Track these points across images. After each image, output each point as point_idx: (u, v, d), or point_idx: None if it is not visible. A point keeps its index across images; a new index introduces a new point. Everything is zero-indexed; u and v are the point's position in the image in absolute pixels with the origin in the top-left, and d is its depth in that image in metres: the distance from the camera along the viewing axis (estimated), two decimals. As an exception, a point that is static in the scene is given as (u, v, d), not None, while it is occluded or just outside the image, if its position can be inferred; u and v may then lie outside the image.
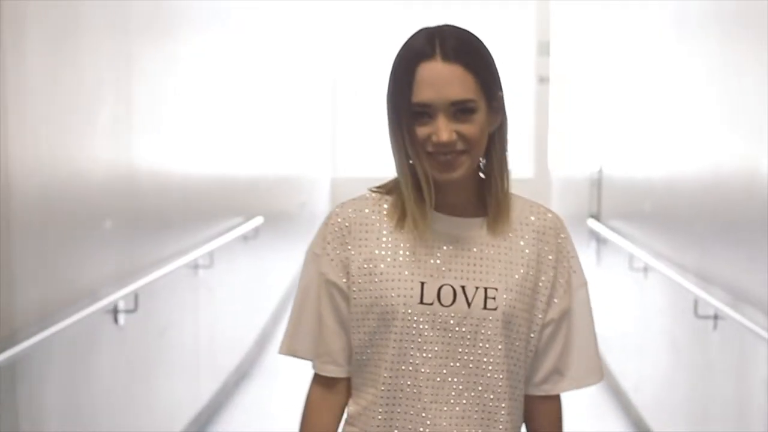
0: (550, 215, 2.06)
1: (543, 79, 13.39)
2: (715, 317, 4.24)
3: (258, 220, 6.90)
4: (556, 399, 2.12)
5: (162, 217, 4.94)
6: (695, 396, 4.66)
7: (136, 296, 4.31)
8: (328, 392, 2.08)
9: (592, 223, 7.50)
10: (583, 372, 2.08)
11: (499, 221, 2.01)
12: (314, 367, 2.09)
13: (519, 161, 14.60)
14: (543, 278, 2.02)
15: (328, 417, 2.08)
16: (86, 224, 3.97)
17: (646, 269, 5.56)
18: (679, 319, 4.88)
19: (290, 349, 2.09)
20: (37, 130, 3.49)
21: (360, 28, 13.96)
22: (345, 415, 2.10)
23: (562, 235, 2.06)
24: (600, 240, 7.27)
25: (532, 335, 2.03)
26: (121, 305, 4.22)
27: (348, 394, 2.09)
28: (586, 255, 8.02)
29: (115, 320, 4.23)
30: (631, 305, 6.11)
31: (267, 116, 7.64)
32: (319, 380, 2.09)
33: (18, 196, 3.31)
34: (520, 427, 2.08)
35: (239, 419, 5.95)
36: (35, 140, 3.47)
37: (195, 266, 5.46)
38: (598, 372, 2.11)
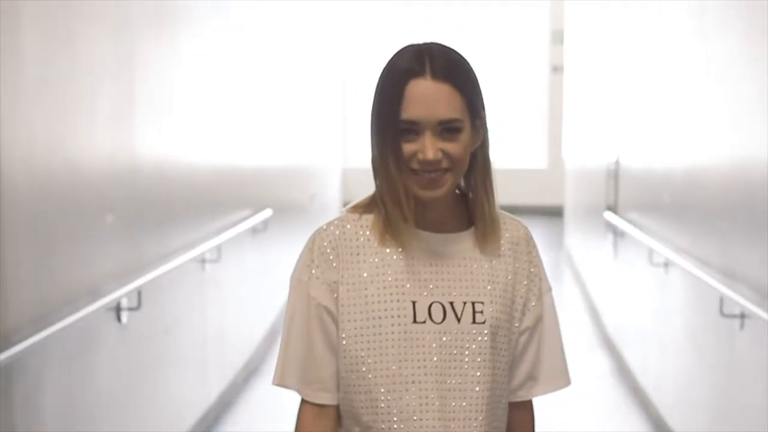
0: (521, 226, 2.11)
1: (557, 68, 13.29)
2: (742, 316, 4.09)
3: (267, 213, 6.77)
4: (529, 405, 2.18)
5: (167, 209, 4.82)
6: (719, 397, 4.51)
7: (139, 293, 4.18)
8: (320, 419, 2.07)
9: (608, 215, 7.35)
10: (553, 376, 2.15)
11: (489, 239, 2.05)
12: (305, 395, 2.07)
13: (532, 152, 14.46)
14: (518, 288, 2.08)
15: None
16: (86, 218, 3.85)
17: (666, 264, 5.41)
18: (702, 317, 4.73)
19: (280, 380, 2.09)
20: (33, 118, 3.36)
21: (372, 18, 13.80)
22: None
23: (532, 245, 2.12)
24: (617, 233, 7.12)
25: (510, 344, 2.08)
26: (124, 303, 4.10)
27: (336, 422, 2.08)
28: (602, 248, 7.90)
29: (118, 318, 4.10)
30: (650, 301, 5.95)
31: (276, 105, 7.51)
32: (310, 408, 2.07)
33: (11, 188, 3.19)
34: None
35: (248, 417, 5.84)
36: (30, 129, 3.34)
37: (202, 261, 5.34)
38: (567, 375, 2.17)
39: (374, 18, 13.86)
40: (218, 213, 5.80)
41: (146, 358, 4.52)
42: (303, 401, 2.07)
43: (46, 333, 3.34)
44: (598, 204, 8.24)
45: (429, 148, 1.92)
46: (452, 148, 1.94)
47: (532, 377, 2.12)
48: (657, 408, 5.67)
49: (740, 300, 4.02)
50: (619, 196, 7.31)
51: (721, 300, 4.24)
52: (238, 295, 6.25)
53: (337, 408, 2.06)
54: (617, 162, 7.34)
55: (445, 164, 1.94)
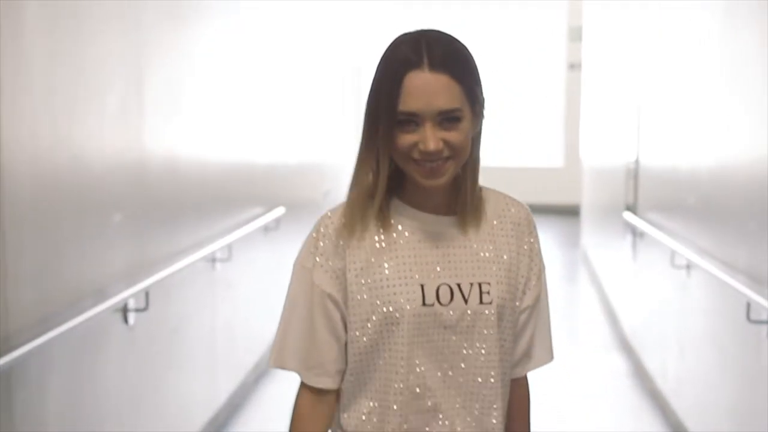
0: (522, 208, 2.15)
1: (574, 66, 13.19)
2: (770, 322, 3.95)
3: (279, 211, 6.66)
4: (524, 381, 2.22)
5: (176, 207, 4.71)
6: (743, 404, 4.38)
7: (147, 294, 4.06)
8: (318, 403, 2.10)
9: (627, 215, 7.22)
10: (543, 353, 2.20)
11: (469, 218, 2.06)
12: (305, 378, 2.09)
13: (548, 150, 14.33)
14: (521, 267, 2.11)
15: (320, 427, 2.10)
16: (93, 217, 3.75)
17: (689, 267, 5.27)
18: (727, 322, 4.59)
19: (279, 361, 2.10)
20: (37, 114, 3.25)
21: (388, 15, 13.70)
22: (338, 426, 2.11)
23: (533, 225, 2.15)
24: (636, 233, 6.99)
25: (513, 323, 2.11)
26: (131, 304, 3.98)
27: (334, 406, 2.11)
28: (620, 248, 7.78)
29: (125, 320, 3.99)
30: (671, 304, 5.82)
31: (289, 101, 7.39)
32: (308, 391, 2.10)
33: (15, 186, 3.08)
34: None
35: (258, 418, 5.73)
36: (34, 125, 3.23)
37: (212, 260, 5.23)
38: (552, 351, 2.22)
39: (390, 15, 13.76)
40: (229, 211, 5.69)
41: (154, 359, 4.41)
42: (302, 385, 2.10)
43: (50, 335, 3.25)
44: (616, 203, 8.11)
45: (430, 138, 1.93)
46: (453, 137, 1.95)
47: (527, 354, 2.17)
48: (676, 412, 5.55)
49: (768, 305, 3.89)
50: (638, 196, 7.18)
51: (748, 305, 4.11)
52: (250, 295, 6.13)
53: (336, 393, 2.10)
54: (637, 161, 7.21)
55: (446, 153, 1.95)
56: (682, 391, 5.54)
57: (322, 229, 2.06)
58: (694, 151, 5.38)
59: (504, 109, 13.84)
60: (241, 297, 5.94)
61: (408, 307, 2.00)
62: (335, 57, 9.78)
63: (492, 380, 2.06)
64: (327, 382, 2.08)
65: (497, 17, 14.01)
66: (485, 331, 2.03)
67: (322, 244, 2.05)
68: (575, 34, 12.93)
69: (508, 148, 13.99)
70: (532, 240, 2.13)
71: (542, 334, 2.18)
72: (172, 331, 4.66)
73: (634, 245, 7.14)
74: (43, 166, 3.31)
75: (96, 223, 3.76)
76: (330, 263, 2.04)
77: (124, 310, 3.97)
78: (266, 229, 6.40)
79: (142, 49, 4.20)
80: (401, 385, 2.02)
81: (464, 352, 2.03)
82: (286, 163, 7.34)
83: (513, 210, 2.13)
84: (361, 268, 2.02)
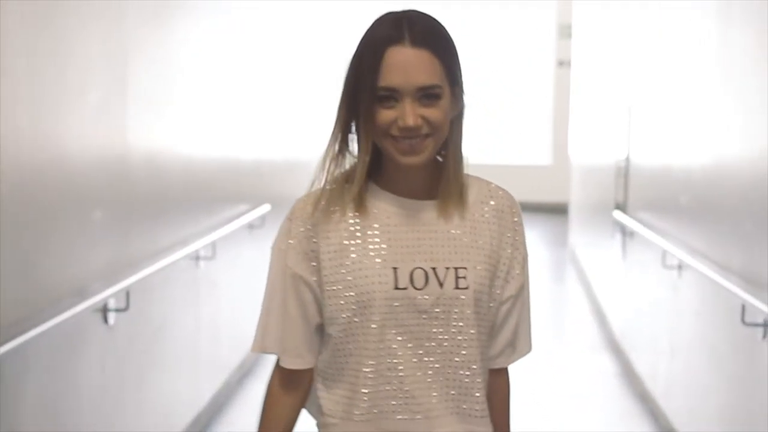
0: (505, 194, 2.13)
1: (563, 63, 13.13)
2: (765, 325, 3.87)
3: (265, 208, 6.56)
4: (505, 372, 2.20)
5: (159, 204, 4.61)
6: (737, 408, 4.30)
7: (127, 294, 3.96)
8: (290, 383, 2.12)
9: (617, 214, 7.14)
10: (525, 344, 2.19)
11: (449, 204, 2.05)
12: (283, 361, 2.11)
13: (536, 148, 14.26)
14: (502, 255, 2.09)
15: (290, 408, 2.13)
16: (72, 214, 3.65)
17: (680, 267, 5.20)
18: (720, 325, 4.52)
19: (261, 346, 2.12)
20: (15, 108, 3.15)
21: (377, 11, 13.60)
22: (318, 409, 2.12)
23: (517, 214, 2.13)
24: (626, 233, 6.91)
25: (491, 311, 2.09)
26: (112, 304, 3.88)
27: (307, 386, 2.13)
28: (610, 248, 7.70)
29: (105, 320, 3.89)
30: (662, 305, 5.74)
31: (275, 97, 7.29)
32: (281, 372, 2.12)
33: (-10, 183, 2.96)
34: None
35: (243, 418, 5.63)
36: (13, 119, 3.13)
37: (196, 258, 5.14)
38: (530, 341, 2.21)
39: (378, 11, 13.66)
40: (214, 208, 5.59)
41: (135, 360, 4.31)
42: (276, 366, 2.13)
43: (27, 336, 3.15)
44: (605, 202, 8.04)
45: (409, 114, 1.93)
46: (432, 113, 1.95)
47: (511, 345, 2.16)
48: (666, 414, 5.48)
49: (764, 308, 3.81)
50: (628, 194, 7.11)
51: (743, 307, 4.03)
52: (234, 294, 6.04)
53: (309, 373, 2.11)
54: (627, 159, 7.14)
55: (425, 130, 1.95)
56: (672, 393, 5.47)
57: (297, 213, 2.07)
58: (688, 149, 5.31)
59: (492, 106, 13.76)
60: (225, 295, 5.84)
61: (378, 290, 2.00)
62: (323, 52, 9.68)
63: (472, 366, 2.05)
64: (301, 363, 2.10)
65: (486, 14, 13.93)
66: (462, 317, 2.03)
67: (295, 227, 2.06)
68: (564, 31, 12.89)
69: (496, 145, 13.91)
70: (516, 228, 2.12)
71: (525, 325, 2.18)
72: (154, 331, 4.56)
73: (623, 245, 7.07)
74: (24, 164, 3.22)
75: (76, 221, 3.67)
76: (303, 246, 2.05)
77: (104, 310, 3.87)
78: (251, 226, 6.30)
79: (126, 44, 4.10)
80: (372, 370, 2.02)
81: (440, 337, 2.03)
82: (271, 159, 7.25)
83: (497, 197, 2.12)
84: (335, 251, 2.03)
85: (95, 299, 3.68)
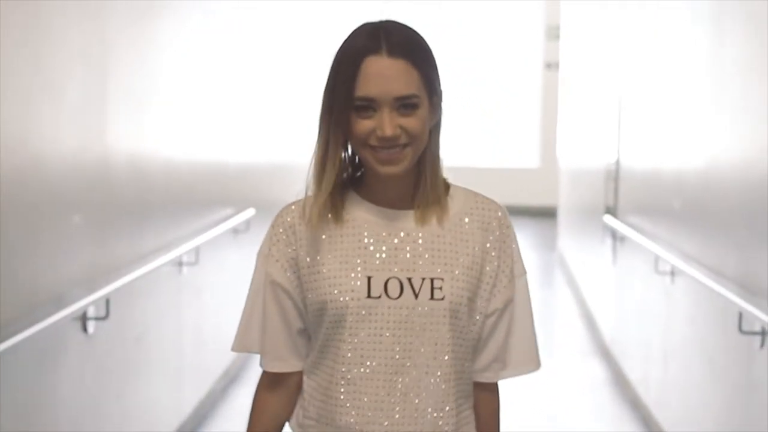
0: (494, 206, 2.12)
1: (551, 65, 13.07)
2: (763, 333, 3.78)
3: (249, 212, 6.44)
4: (495, 387, 2.19)
5: (140, 209, 4.50)
6: (734, 417, 4.21)
7: (107, 301, 3.84)
8: (276, 387, 2.15)
9: (607, 218, 7.05)
10: (523, 360, 2.16)
11: (428, 213, 2.06)
12: (262, 363, 2.15)
13: (524, 150, 14.18)
14: (487, 268, 2.09)
15: (276, 409, 2.16)
16: (50, 218, 3.54)
17: (673, 272, 5.11)
18: (716, 332, 4.43)
19: (242, 345, 2.16)
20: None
21: (364, 15, 13.53)
22: (304, 414, 2.14)
23: (506, 226, 2.12)
24: (616, 237, 6.82)
25: (475, 323, 2.09)
26: (91, 312, 3.77)
27: (294, 390, 2.15)
28: (600, 252, 7.61)
29: (84, 328, 3.77)
30: (653, 311, 5.65)
31: (261, 99, 7.18)
32: (266, 376, 2.16)
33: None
34: (470, 408, 2.14)
35: (227, 427, 5.52)
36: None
37: (179, 263, 5.02)
38: (537, 360, 2.18)
39: (365, 15, 13.59)
40: (197, 212, 5.48)
41: (115, 370, 4.20)
42: (261, 374, 2.17)
43: (2, 346, 3.04)
44: (595, 206, 7.96)
45: (387, 124, 1.94)
46: (410, 123, 1.96)
47: (499, 360, 2.14)
48: (658, 422, 5.39)
49: (762, 316, 3.72)
50: (618, 198, 7.02)
51: (740, 315, 3.93)
52: (218, 300, 5.92)
53: (295, 377, 2.14)
54: (617, 162, 7.05)
55: (403, 140, 1.96)
56: (665, 401, 5.38)
57: (279, 220, 2.11)
58: (680, 151, 5.21)
59: (479, 109, 13.69)
60: (209, 302, 5.72)
61: (351, 298, 2.02)
62: (309, 55, 9.59)
63: (441, 378, 2.05)
64: (281, 366, 2.13)
65: (473, 16, 13.85)
66: (436, 328, 2.03)
67: (277, 234, 2.10)
68: (552, 33, 12.83)
69: (484, 148, 13.84)
70: (504, 241, 2.11)
71: (521, 341, 2.15)
72: (135, 340, 4.44)
73: (614, 249, 6.98)
74: (-4, 165, 3.10)
75: (54, 226, 3.55)
76: (283, 253, 2.08)
77: (84, 318, 3.75)
78: (236, 231, 6.18)
79: (107, 43, 3.99)
80: (347, 377, 2.05)
81: (414, 348, 2.03)
82: (257, 163, 7.13)
83: (484, 209, 2.11)
84: (311, 260, 2.06)
85: (74, 307, 3.56)
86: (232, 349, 2.17)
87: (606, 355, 7.07)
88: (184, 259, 5.06)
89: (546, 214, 12.93)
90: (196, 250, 5.19)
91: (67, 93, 3.64)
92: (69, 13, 3.64)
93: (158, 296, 4.77)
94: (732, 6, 4.38)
